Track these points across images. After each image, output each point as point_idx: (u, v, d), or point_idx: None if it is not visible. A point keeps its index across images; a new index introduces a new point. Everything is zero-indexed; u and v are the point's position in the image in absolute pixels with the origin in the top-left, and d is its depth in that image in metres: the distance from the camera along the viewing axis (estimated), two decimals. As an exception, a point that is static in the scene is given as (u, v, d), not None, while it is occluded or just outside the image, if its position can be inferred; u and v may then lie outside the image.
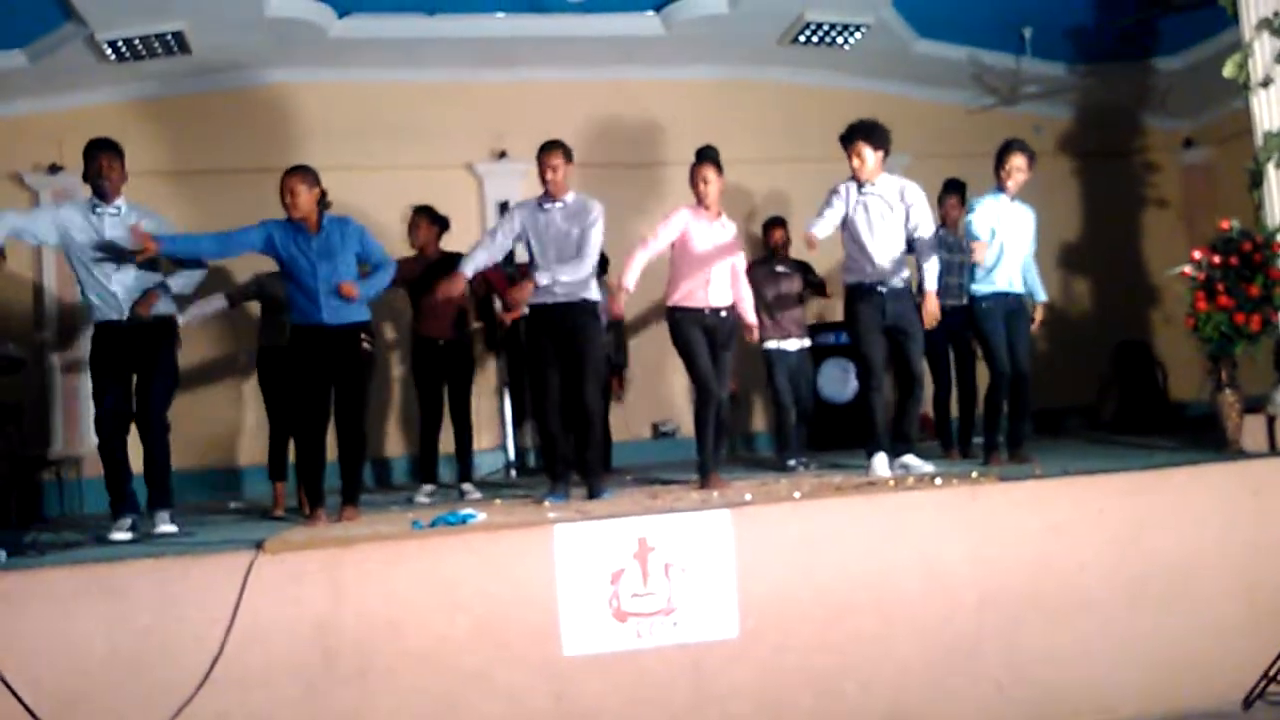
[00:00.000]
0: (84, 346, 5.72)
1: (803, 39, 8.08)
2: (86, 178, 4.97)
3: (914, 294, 5.49)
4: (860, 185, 5.36)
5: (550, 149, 5.22)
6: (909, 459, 5.30)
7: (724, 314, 5.37)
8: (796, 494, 4.47)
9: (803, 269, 6.77)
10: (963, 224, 5.83)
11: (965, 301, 5.96)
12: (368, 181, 7.68)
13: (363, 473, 5.39)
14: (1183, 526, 4.43)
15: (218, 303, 6.06)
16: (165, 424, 4.96)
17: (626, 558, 4.01)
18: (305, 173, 4.87)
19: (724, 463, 5.79)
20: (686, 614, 4.02)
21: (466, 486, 6.15)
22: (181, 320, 5.32)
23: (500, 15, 7.74)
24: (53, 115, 7.60)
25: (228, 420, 7.78)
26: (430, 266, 6.20)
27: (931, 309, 5.30)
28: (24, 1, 6.66)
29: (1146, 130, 9.74)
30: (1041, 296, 6.04)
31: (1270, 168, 5.34)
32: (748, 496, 4.51)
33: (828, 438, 7.41)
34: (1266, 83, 5.39)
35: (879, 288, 5.34)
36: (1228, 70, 5.52)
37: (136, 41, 7.11)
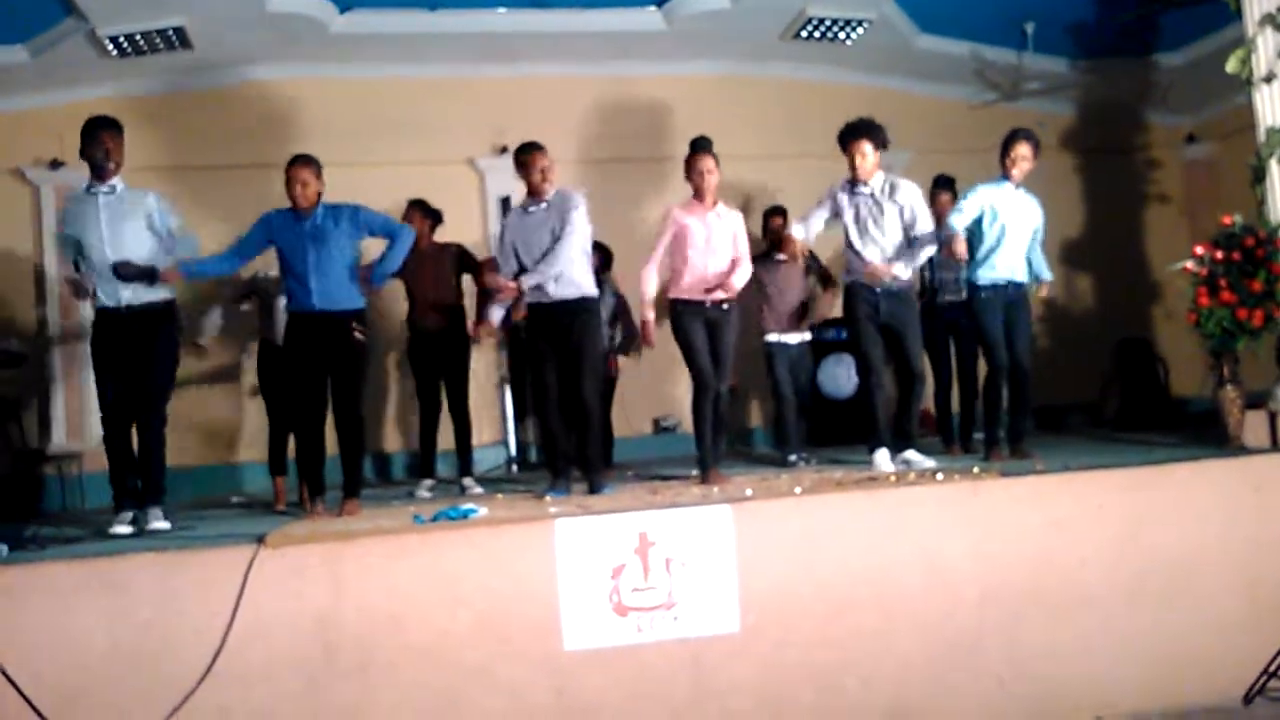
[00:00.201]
0: (85, 343, 5.71)
1: (804, 34, 8.07)
2: (86, 154, 4.88)
3: (912, 293, 5.51)
4: (854, 186, 5.40)
5: (533, 150, 5.19)
6: (910, 454, 5.31)
7: (726, 306, 5.36)
8: (797, 489, 4.47)
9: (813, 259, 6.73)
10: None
11: (964, 297, 5.96)
12: (369, 177, 7.66)
13: (363, 465, 5.39)
14: (1184, 522, 4.43)
15: (215, 317, 6.14)
16: (163, 418, 4.91)
17: (627, 552, 4.01)
18: (312, 162, 4.93)
19: (724, 458, 5.79)
20: (687, 609, 4.02)
21: (467, 481, 6.16)
22: (200, 342, 5.32)
23: (502, 10, 7.73)
24: (53, 110, 7.58)
25: (227, 416, 7.78)
26: (424, 258, 6.23)
27: (878, 270, 5.30)
28: (25, -3, 6.67)
29: (1148, 126, 9.73)
30: (1047, 275, 5.91)
31: (1273, 163, 5.33)
32: (749, 491, 4.51)
33: (829, 433, 7.42)
34: (1269, 78, 5.38)
35: (875, 287, 5.36)
36: (1230, 66, 5.51)
37: (137, 36, 7.11)
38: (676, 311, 5.35)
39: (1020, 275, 5.69)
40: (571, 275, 5.14)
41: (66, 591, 3.70)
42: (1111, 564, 4.34)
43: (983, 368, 5.84)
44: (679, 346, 5.37)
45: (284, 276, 5.01)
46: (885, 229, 5.37)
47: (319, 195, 4.93)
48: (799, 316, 6.51)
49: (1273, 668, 4.23)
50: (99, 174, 4.89)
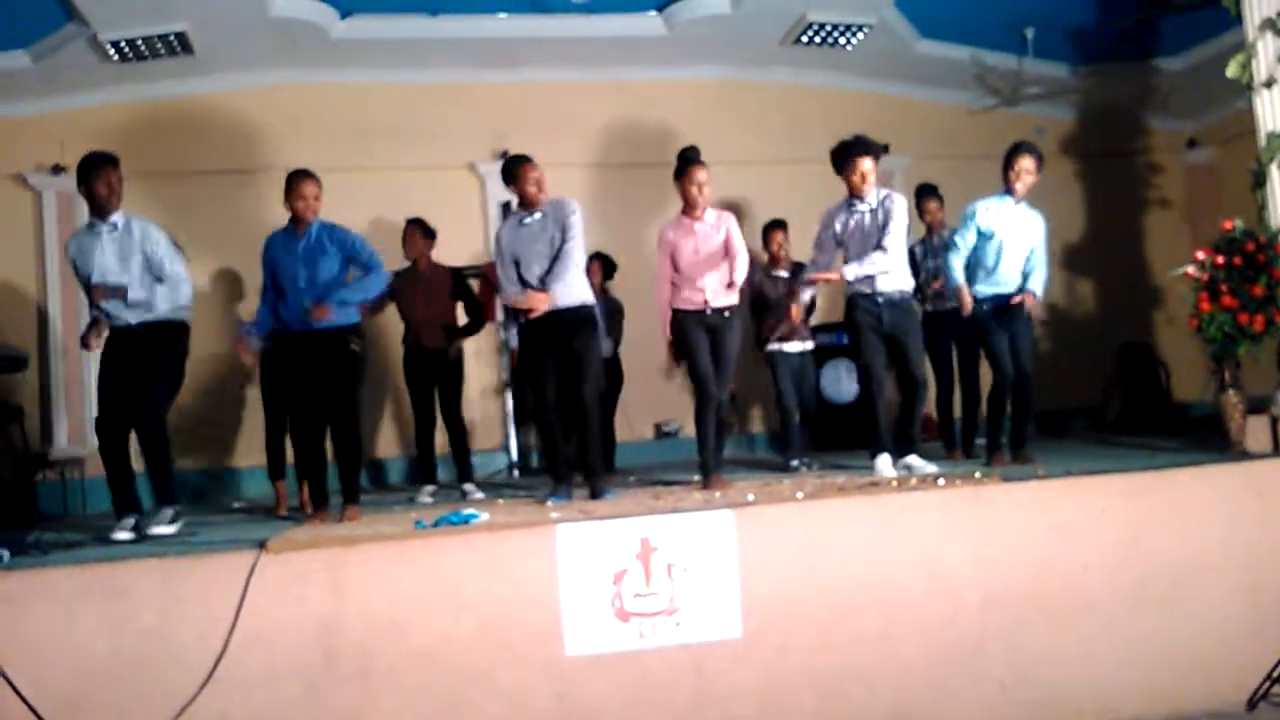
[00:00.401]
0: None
1: (805, 39, 8.08)
2: (86, 192, 4.86)
3: (912, 301, 5.54)
4: (850, 203, 5.44)
5: (522, 163, 5.18)
6: (912, 460, 5.31)
7: (726, 313, 5.36)
8: (799, 494, 4.46)
9: (803, 270, 6.74)
10: (941, 233, 5.77)
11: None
12: (370, 182, 7.70)
13: (360, 473, 5.40)
14: (1186, 527, 4.42)
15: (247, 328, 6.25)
16: (161, 421, 4.91)
17: (629, 558, 4.01)
18: (315, 177, 4.99)
19: (725, 463, 5.78)
20: (689, 614, 4.01)
21: (469, 486, 6.16)
22: (255, 352, 5.31)
23: (502, 16, 7.75)
24: (55, 116, 7.62)
25: (227, 421, 7.77)
26: (421, 279, 6.32)
27: (829, 277, 5.45)
28: (26, 2, 6.67)
29: (1149, 131, 9.74)
30: (1035, 288, 5.65)
31: (1273, 168, 5.33)
32: (750, 497, 4.50)
33: (830, 438, 7.42)
34: (1270, 83, 5.38)
35: (876, 297, 5.38)
36: (1231, 71, 5.51)
37: (139, 42, 7.12)
38: (677, 320, 5.36)
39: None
40: (570, 283, 5.14)
41: (68, 597, 3.70)
42: (1113, 569, 4.33)
43: (986, 374, 5.84)
44: (682, 354, 5.38)
45: (270, 297, 5.02)
46: (869, 242, 5.40)
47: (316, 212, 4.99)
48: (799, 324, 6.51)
49: (1276, 673, 4.22)
50: (101, 212, 4.87)
